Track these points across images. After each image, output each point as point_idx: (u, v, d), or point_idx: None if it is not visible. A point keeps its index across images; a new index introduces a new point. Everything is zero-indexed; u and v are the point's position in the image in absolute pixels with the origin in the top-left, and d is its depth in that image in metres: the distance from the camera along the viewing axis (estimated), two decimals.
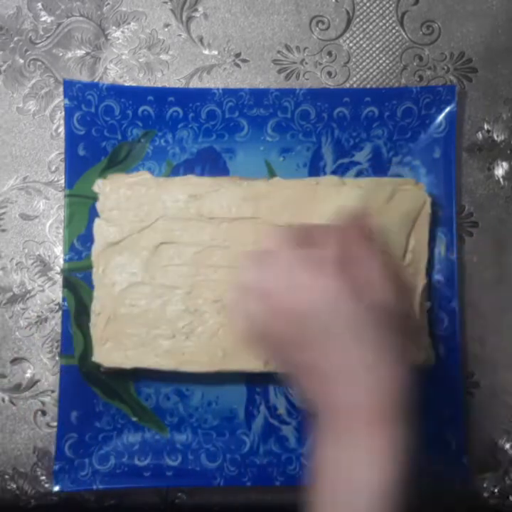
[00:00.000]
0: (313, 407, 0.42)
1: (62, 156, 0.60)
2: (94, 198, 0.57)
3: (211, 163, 0.60)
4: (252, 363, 0.55)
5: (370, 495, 0.39)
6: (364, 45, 0.62)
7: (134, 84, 0.61)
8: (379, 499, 0.38)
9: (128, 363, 0.54)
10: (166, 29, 0.62)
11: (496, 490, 0.60)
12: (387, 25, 0.63)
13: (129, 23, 0.62)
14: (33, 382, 0.59)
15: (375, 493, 0.39)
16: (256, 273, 0.42)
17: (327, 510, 0.40)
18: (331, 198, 0.56)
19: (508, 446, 0.60)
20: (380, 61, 0.62)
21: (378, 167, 0.60)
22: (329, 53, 0.62)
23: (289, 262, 0.41)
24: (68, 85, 0.58)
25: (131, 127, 0.59)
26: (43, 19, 0.62)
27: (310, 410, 0.43)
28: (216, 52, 0.62)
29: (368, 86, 0.62)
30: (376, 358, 0.40)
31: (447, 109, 0.59)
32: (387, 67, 0.62)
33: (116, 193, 0.56)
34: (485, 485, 0.60)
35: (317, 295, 0.40)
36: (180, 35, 0.62)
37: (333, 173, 0.60)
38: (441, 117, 0.59)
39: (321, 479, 0.41)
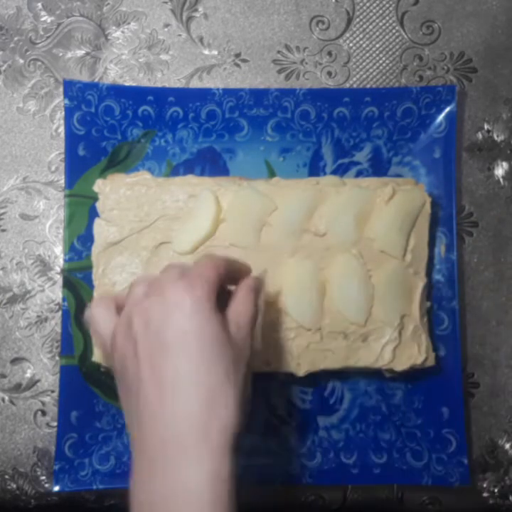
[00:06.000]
0: (135, 438, 0.40)
1: (62, 156, 0.60)
2: (94, 198, 0.57)
3: (211, 163, 0.60)
4: (252, 363, 0.54)
5: None
6: (364, 45, 0.62)
7: (134, 84, 0.61)
8: None
9: None
10: (166, 29, 0.62)
11: (495, 490, 0.60)
12: (387, 25, 0.63)
13: (129, 23, 0.62)
14: (33, 382, 0.59)
15: None
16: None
17: None
18: (331, 198, 0.56)
19: (508, 446, 0.60)
20: (380, 61, 0.62)
21: (378, 167, 0.60)
22: (329, 53, 0.62)
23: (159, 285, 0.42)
24: (68, 85, 0.58)
25: (131, 127, 0.59)
26: (43, 19, 0.62)
27: (131, 440, 0.41)
28: (216, 52, 0.62)
29: (368, 86, 0.62)
30: (217, 379, 0.39)
31: (447, 109, 0.59)
32: (387, 67, 0.62)
33: (116, 193, 0.56)
34: (485, 485, 0.60)
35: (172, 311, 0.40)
36: (180, 35, 0.62)
37: (333, 173, 0.60)
38: (441, 117, 0.59)
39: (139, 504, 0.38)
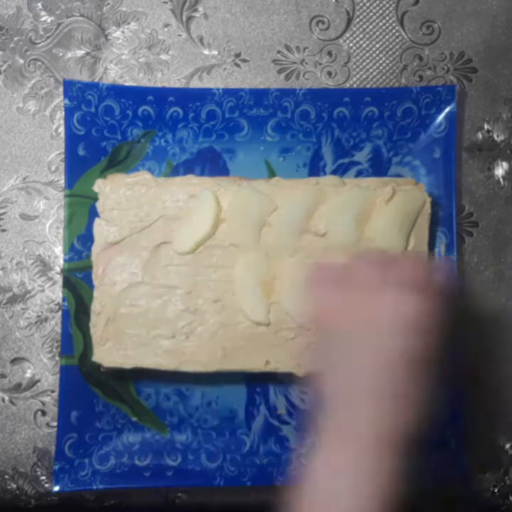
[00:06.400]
0: (325, 412, 0.42)
1: (62, 156, 0.60)
2: (94, 198, 0.56)
3: (211, 163, 0.60)
4: (252, 363, 0.55)
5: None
6: (364, 45, 0.62)
7: (134, 84, 0.61)
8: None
9: (128, 363, 0.54)
10: (166, 29, 0.62)
11: (495, 490, 0.60)
12: (387, 25, 0.63)
13: (129, 23, 0.62)
14: (33, 382, 0.59)
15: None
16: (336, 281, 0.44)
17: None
18: (331, 198, 0.56)
19: (508, 446, 0.60)
20: (380, 61, 0.62)
21: (378, 167, 0.60)
22: (329, 53, 0.62)
23: (371, 278, 0.43)
24: (68, 85, 0.58)
25: (131, 127, 0.59)
26: (43, 19, 0.62)
27: (318, 411, 0.43)
28: (216, 52, 0.62)
29: (368, 86, 0.62)
30: (410, 388, 0.41)
31: (447, 109, 0.59)
32: (387, 67, 0.62)
33: (116, 193, 0.56)
34: (485, 485, 0.60)
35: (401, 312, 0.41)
36: (180, 35, 0.62)
37: (333, 173, 0.60)
38: (441, 117, 0.59)
39: (312, 482, 0.41)
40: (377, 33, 0.63)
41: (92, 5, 0.62)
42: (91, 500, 0.59)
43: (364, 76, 0.62)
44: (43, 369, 0.59)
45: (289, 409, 0.58)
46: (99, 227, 0.56)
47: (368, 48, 0.62)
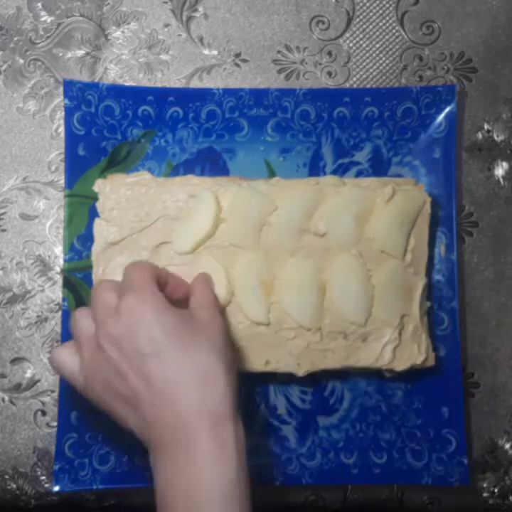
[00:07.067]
0: (145, 433, 0.44)
1: (62, 156, 0.60)
2: (94, 198, 0.56)
3: (211, 163, 0.60)
4: (251, 363, 0.55)
5: (212, 502, 0.40)
6: (364, 45, 0.62)
7: (134, 84, 0.61)
8: (221, 503, 0.41)
9: None
10: (166, 29, 0.62)
11: (495, 490, 0.60)
12: (387, 25, 0.63)
13: (129, 23, 0.62)
14: (33, 382, 0.59)
15: (216, 499, 0.41)
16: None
17: None
18: (331, 198, 0.56)
19: (508, 446, 0.60)
20: (380, 61, 0.62)
21: (378, 167, 0.60)
22: (329, 53, 0.62)
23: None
24: (68, 85, 0.58)
25: (131, 127, 0.59)
26: (43, 19, 0.62)
27: (142, 439, 0.44)
28: (216, 52, 0.62)
29: (368, 86, 0.62)
30: (199, 362, 0.43)
31: (447, 109, 0.59)
32: (387, 67, 0.62)
33: (116, 193, 0.56)
34: (485, 485, 0.60)
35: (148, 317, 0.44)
36: (180, 35, 0.62)
37: (333, 173, 0.60)
38: (441, 117, 0.59)
39: (163, 504, 0.43)
40: (377, 33, 0.63)
41: (92, 5, 0.62)
42: (91, 500, 0.59)
43: (364, 76, 0.62)
44: (43, 369, 0.59)
45: (289, 409, 0.58)
46: (99, 227, 0.56)
47: (367, 48, 0.62)
